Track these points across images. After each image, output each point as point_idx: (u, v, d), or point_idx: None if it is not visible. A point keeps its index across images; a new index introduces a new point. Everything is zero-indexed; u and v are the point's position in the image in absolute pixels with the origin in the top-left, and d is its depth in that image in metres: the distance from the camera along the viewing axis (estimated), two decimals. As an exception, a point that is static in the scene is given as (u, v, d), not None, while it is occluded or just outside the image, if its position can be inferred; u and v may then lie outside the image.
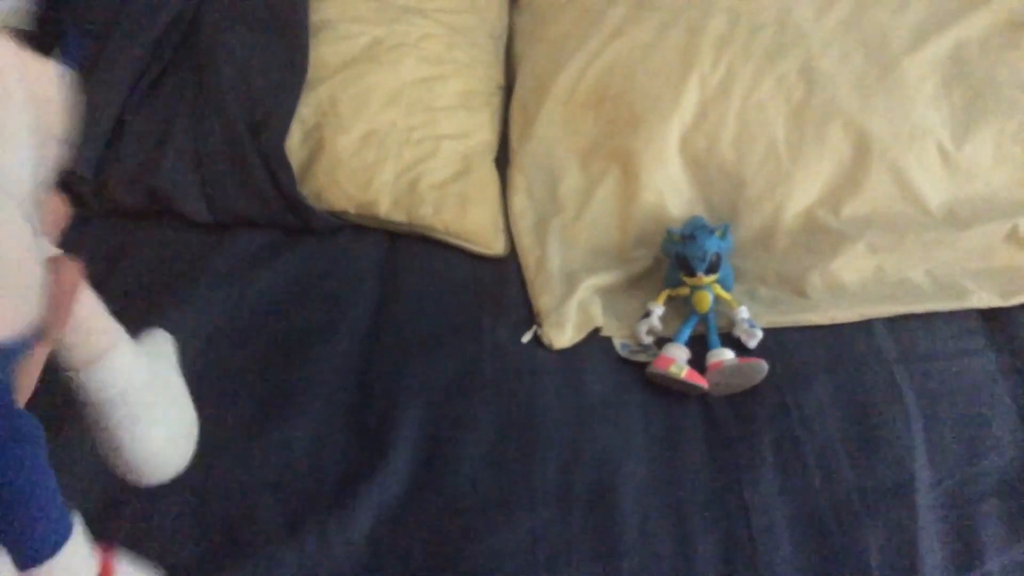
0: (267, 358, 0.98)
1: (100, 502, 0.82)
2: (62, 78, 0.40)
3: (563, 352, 1.01)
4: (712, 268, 1.02)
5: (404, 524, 0.86)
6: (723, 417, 0.95)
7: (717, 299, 1.04)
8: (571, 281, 1.08)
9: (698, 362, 0.99)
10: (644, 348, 1.02)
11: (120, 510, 0.83)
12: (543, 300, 1.06)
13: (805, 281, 1.05)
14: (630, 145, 1.14)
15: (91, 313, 0.45)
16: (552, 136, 1.19)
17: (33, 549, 0.37)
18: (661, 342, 1.03)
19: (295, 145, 1.13)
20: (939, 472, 0.89)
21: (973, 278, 1.05)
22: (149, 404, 0.48)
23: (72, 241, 0.45)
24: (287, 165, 1.10)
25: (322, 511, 0.85)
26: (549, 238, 1.12)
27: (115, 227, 1.12)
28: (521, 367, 0.99)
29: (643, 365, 0.99)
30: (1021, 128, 1.11)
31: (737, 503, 0.88)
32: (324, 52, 1.18)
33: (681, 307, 1.06)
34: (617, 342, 1.03)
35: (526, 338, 1.02)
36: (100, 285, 0.46)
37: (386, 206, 1.12)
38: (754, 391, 0.96)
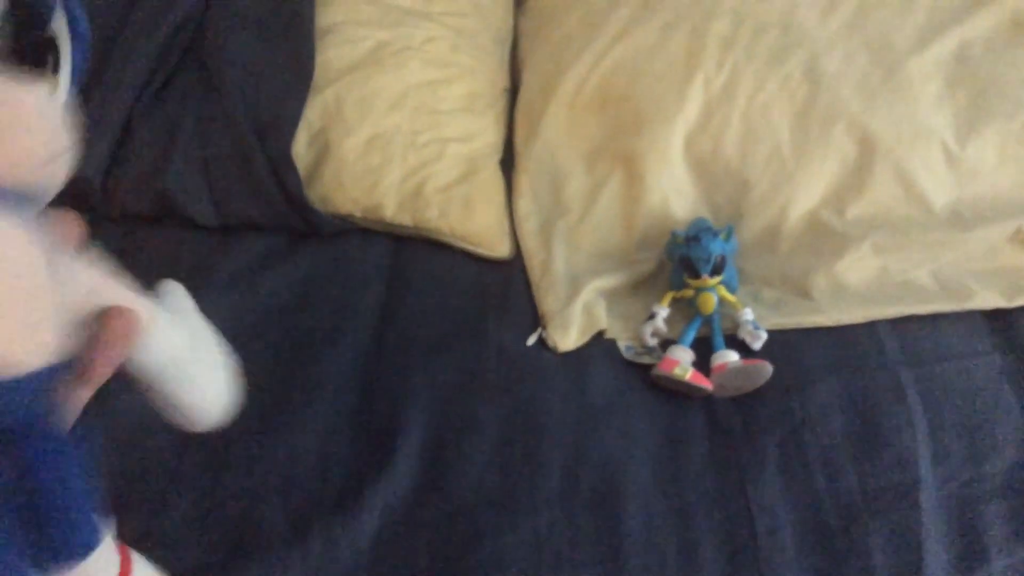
0: (273, 361, 0.98)
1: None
2: (51, 99, 0.39)
3: (568, 354, 1.01)
4: (716, 270, 1.03)
5: (409, 527, 0.86)
6: (727, 419, 0.95)
7: (721, 301, 1.04)
8: (576, 283, 1.08)
9: (703, 364, 0.99)
10: (649, 350, 1.02)
11: (126, 513, 0.83)
12: (548, 302, 1.06)
13: (809, 282, 1.05)
14: (634, 147, 1.14)
15: (131, 297, 0.46)
16: (557, 139, 1.20)
17: (65, 553, 0.38)
18: (666, 344, 1.03)
19: (301, 149, 1.14)
20: (944, 474, 0.89)
21: (978, 279, 1.04)
22: (195, 361, 0.51)
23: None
24: (294, 169, 1.11)
25: (327, 514, 0.86)
26: (554, 241, 1.12)
27: (122, 231, 1.12)
28: (526, 369, 0.99)
29: (648, 367, 0.99)
30: (1026, 128, 1.11)
31: (741, 505, 0.88)
32: (330, 56, 1.19)
33: (685, 309, 1.07)
34: (622, 344, 1.03)
35: (531, 340, 1.03)
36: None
37: (392, 209, 1.12)
38: (758, 393, 0.96)
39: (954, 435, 0.92)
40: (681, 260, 1.05)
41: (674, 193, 1.14)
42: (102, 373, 0.41)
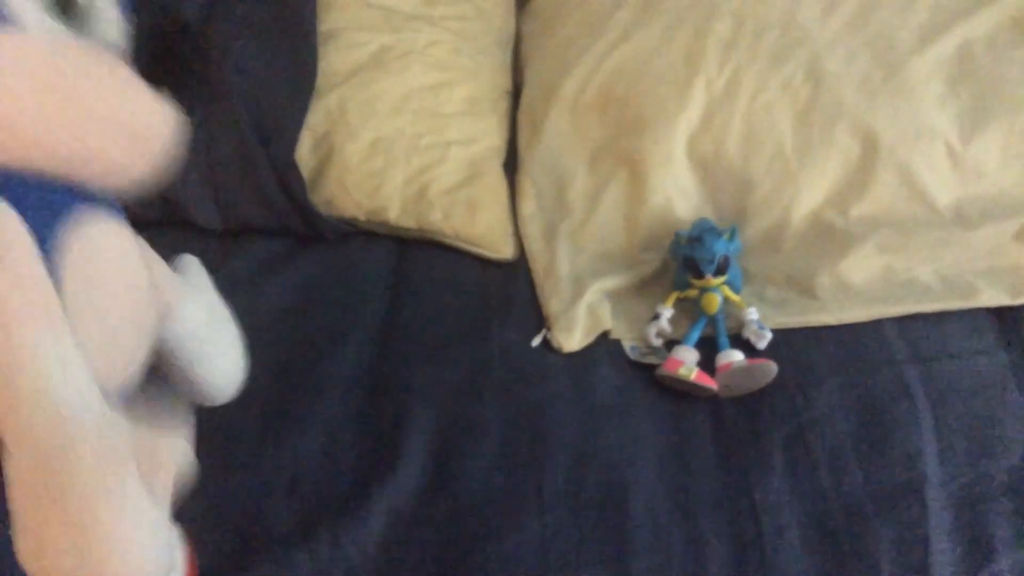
0: (279, 364, 0.98)
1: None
2: (173, 116, 0.43)
3: (573, 355, 1.01)
4: (720, 270, 1.03)
5: (415, 527, 0.86)
6: (732, 418, 0.95)
7: (726, 301, 1.04)
8: (580, 284, 1.08)
9: (707, 364, 0.99)
10: (653, 350, 1.02)
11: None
12: (552, 304, 1.06)
13: (814, 282, 1.05)
14: (637, 148, 1.15)
15: (164, 279, 0.47)
16: (560, 140, 1.20)
17: None
18: (670, 344, 1.03)
19: (305, 153, 1.14)
20: (949, 472, 0.89)
21: (983, 277, 1.04)
22: (214, 335, 0.52)
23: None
24: (298, 173, 1.11)
25: (334, 515, 0.86)
26: (558, 242, 1.13)
27: (128, 236, 1.13)
28: (531, 371, 0.99)
29: (653, 367, 1.00)
30: (1029, 126, 1.11)
31: (747, 504, 0.88)
32: (333, 60, 1.19)
33: (690, 309, 1.07)
34: (626, 345, 1.03)
35: (536, 342, 1.03)
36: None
37: (395, 212, 1.13)
38: (763, 392, 0.96)
39: (960, 433, 0.92)
40: (685, 260, 1.05)
41: (677, 194, 1.14)
42: None
